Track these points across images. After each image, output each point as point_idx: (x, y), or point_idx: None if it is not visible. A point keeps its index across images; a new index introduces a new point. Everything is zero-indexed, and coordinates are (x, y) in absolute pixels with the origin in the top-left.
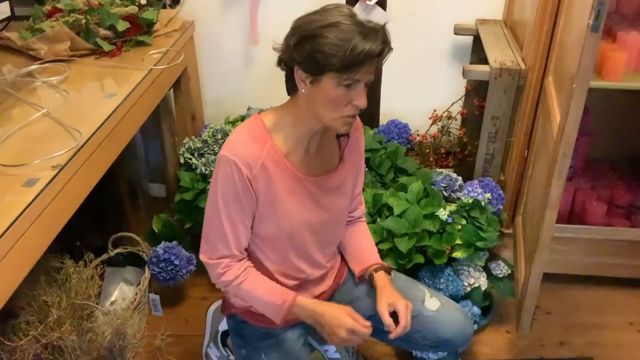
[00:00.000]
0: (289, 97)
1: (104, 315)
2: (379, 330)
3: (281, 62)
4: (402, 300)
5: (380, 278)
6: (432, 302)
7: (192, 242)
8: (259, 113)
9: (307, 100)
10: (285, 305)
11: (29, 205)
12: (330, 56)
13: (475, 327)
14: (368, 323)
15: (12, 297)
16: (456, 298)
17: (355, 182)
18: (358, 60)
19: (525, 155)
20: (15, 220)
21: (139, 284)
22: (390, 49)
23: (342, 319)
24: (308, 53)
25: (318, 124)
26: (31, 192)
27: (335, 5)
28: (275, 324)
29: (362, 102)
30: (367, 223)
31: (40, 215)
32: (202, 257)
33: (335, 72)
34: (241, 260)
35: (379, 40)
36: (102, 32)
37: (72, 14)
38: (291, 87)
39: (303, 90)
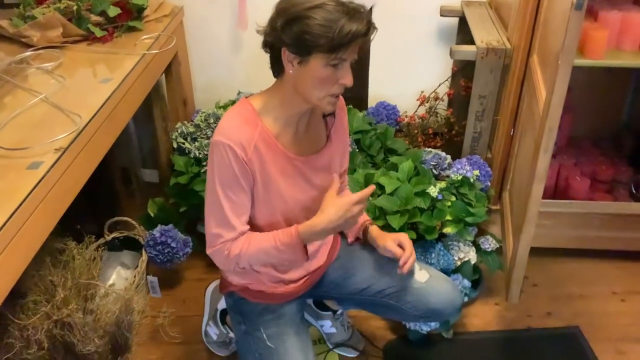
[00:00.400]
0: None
1: (107, 296)
2: (371, 303)
3: (267, 45)
4: (404, 234)
5: (375, 229)
6: (422, 275)
7: (188, 225)
8: (246, 98)
9: (294, 81)
10: (294, 239)
11: (35, 187)
12: (318, 37)
13: (466, 299)
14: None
15: (20, 278)
16: (447, 272)
17: (342, 160)
18: (346, 40)
19: (511, 133)
20: (23, 202)
21: (136, 267)
22: (375, 28)
23: (342, 204)
24: (296, 34)
25: (305, 104)
26: (36, 175)
27: None
28: (274, 300)
29: (348, 80)
30: None
31: (46, 196)
32: (208, 251)
33: (323, 53)
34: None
35: (364, 20)
36: (94, 18)
37: (62, 1)
38: (277, 70)
39: (290, 72)
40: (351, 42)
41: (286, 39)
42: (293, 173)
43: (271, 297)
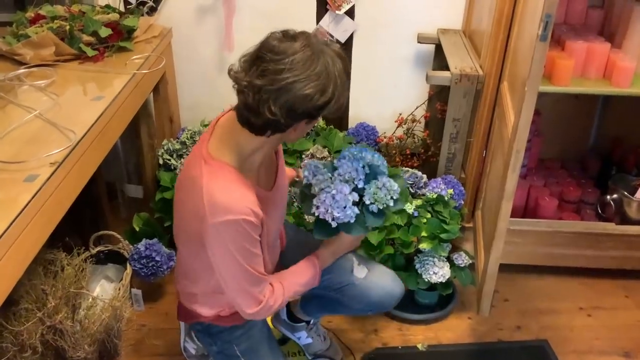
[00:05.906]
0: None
1: (95, 305)
2: (321, 297)
3: (270, 123)
4: None
5: None
6: (360, 270)
7: (171, 239)
8: (214, 158)
9: (288, 134)
10: (317, 269)
11: (32, 199)
12: (333, 108)
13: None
14: None
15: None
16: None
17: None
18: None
19: (484, 154)
20: (20, 212)
21: (120, 280)
22: None
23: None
24: (321, 111)
25: (282, 143)
26: (33, 187)
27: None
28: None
29: None
30: None
31: (41, 208)
32: (250, 311)
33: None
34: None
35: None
36: (86, 38)
37: (55, 21)
38: (269, 132)
39: (294, 130)
40: None
41: (314, 114)
42: (268, 205)
43: None
